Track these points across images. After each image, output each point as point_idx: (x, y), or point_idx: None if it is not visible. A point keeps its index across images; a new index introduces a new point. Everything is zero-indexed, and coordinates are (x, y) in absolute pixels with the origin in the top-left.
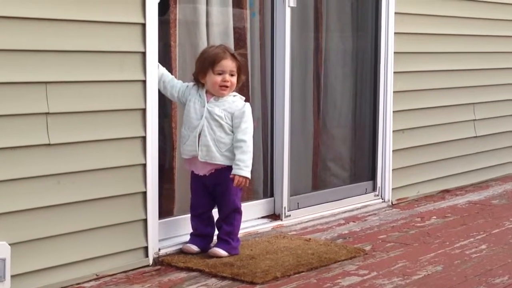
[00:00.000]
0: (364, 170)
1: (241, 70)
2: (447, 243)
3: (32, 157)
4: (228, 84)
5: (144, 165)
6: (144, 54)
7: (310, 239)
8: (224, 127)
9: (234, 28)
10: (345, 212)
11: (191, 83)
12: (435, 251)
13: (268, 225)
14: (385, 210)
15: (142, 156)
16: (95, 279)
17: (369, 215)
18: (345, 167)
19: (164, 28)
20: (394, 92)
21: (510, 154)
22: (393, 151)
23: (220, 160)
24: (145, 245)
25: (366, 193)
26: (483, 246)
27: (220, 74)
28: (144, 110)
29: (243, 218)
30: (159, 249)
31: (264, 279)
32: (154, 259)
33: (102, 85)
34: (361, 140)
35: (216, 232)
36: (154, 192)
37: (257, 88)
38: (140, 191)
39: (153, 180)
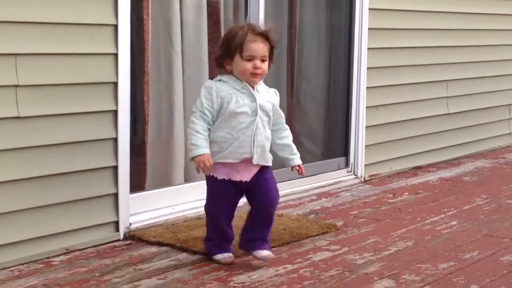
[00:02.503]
0: (337, 146)
1: (273, 52)
2: (418, 219)
3: (1, 130)
4: (260, 71)
5: (116, 139)
6: (116, 27)
7: (282, 214)
8: (270, 122)
9: (208, 2)
10: (317, 188)
11: (211, 85)
12: (406, 227)
13: (241, 200)
14: (358, 186)
15: (113, 130)
16: (65, 254)
17: (342, 191)
18: (318, 143)
19: (137, 1)
20: (367, 68)
21: (482, 131)
22: (366, 127)
23: (270, 161)
24: (116, 219)
25: (339, 169)
26: (454, 222)
27: (249, 60)
28: (115, 84)
29: None
30: (130, 224)
31: (235, 254)
32: (125, 234)
33: (73, 58)
34: (334, 116)
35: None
36: (126, 166)
37: None
38: (111, 165)
39: (125, 154)
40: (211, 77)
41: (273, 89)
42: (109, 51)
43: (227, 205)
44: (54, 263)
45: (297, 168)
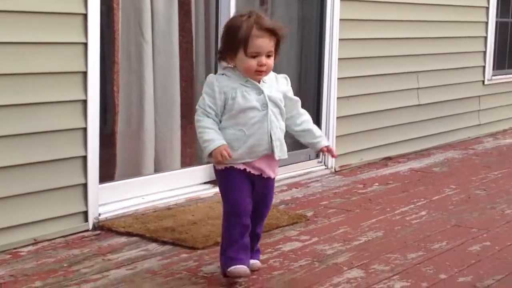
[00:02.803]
0: None
1: (279, 45)
2: (388, 209)
3: None
4: (265, 68)
5: (85, 129)
6: (85, 16)
7: None
8: (282, 113)
9: None
10: (288, 178)
11: (213, 80)
12: (376, 217)
13: (210, 191)
14: (328, 176)
15: (82, 119)
16: (33, 244)
17: (312, 182)
18: (289, 133)
19: None
20: (339, 59)
21: (452, 123)
22: (337, 118)
23: (286, 153)
24: (85, 209)
25: (309, 160)
26: (423, 213)
27: (254, 57)
28: (85, 73)
29: (186, 184)
30: (99, 214)
31: (205, 244)
32: (94, 224)
33: (41, 47)
34: (305, 107)
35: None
36: (95, 156)
37: (201, 53)
38: (80, 155)
39: (94, 144)
40: (182, 68)
41: (282, 75)
42: (78, 40)
43: (247, 192)
44: (22, 253)
45: (325, 149)
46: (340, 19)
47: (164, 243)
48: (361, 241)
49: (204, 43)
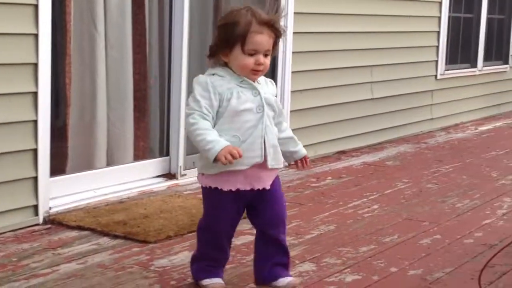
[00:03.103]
0: None
1: (277, 43)
2: (341, 203)
3: None
4: (262, 68)
5: (35, 122)
6: (36, 6)
7: None
8: (275, 117)
9: None
10: None
11: (206, 80)
12: (328, 210)
13: (163, 184)
14: (281, 170)
15: (33, 112)
16: None
17: None
18: None
19: None
20: (293, 52)
21: (405, 117)
22: (290, 111)
23: (282, 162)
24: (35, 203)
25: None
26: (376, 206)
27: (251, 54)
28: (35, 65)
29: (138, 177)
30: (50, 208)
31: (157, 238)
32: (44, 218)
33: None
34: None
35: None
36: (46, 149)
37: (154, 47)
38: (30, 148)
39: (45, 137)
40: (135, 61)
41: (270, 80)
42: (29, 31)
43: (232, 220)
44: None
45: (302, 160)
46: (294, 13)
47: (115, 237)
48: (314, 235)
49: (158, 36)
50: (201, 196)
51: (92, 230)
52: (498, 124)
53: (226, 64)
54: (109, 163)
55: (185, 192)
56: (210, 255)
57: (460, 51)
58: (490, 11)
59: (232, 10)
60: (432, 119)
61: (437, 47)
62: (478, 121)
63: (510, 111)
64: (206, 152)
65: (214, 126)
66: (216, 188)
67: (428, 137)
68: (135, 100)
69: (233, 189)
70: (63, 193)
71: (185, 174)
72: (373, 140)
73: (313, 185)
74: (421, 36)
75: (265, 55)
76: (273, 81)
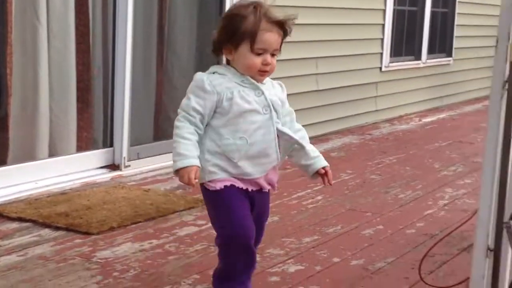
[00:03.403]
0: None
1: (282, 42)
2: (285, 194)
3: None
4: (269, 68)
5: None
6: None
7: (149, 189)
8: (278, 118)
9: None
10: None
11: (203, 78)
12: (272, 202)
13: (107, 175)
14: None
15: None
16: None
17: None
18: None
19: None
20: None
21: (350, 108)
22: None
23: None
24: None
25: None
26: (319, 197)
27: (259, 54)
28: None
29: (81, 168)
30: None
31: (100, 229)
32: None
33: None
34: None
35: None
36: None
37: (98, 36)
38: None
39: None
40: (78, 51)
41: (277, 82)
42: None
43: (248, 215)
44: None
45: (322, 172)
46: None
47: (57, 228)
48: None
49: (101, 26)
50: (145, 187)
51: (34, 221)
52: (441, 116)
53: (227, 62)
54: (51, 154)
55: (129, 183)
56: (239, 266)
57: (405, 43)
58: (434, 4)
59: (240, 4)
60: (376, 110)
61: (382, 39)
62: (422, 112)
63: (453, 103)
64: (173, 162)
65: (214, 128)
66: (232, 186)
67: (372, 128)
68: (78, 91)
69: (244, 188)
70: (3, 185)
71: (129, 165)
72: (318, 132)
73: None
74: (366, 29)
75: (272, 55)
76: (282, 84)
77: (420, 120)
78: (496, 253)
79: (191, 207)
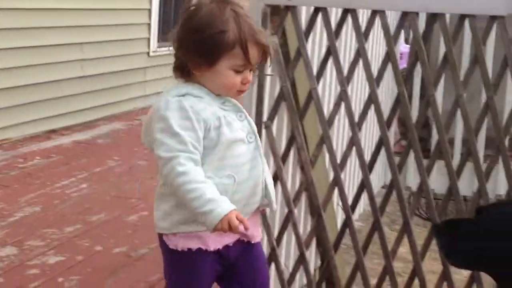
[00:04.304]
0: None
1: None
2: (49, 183)
3: None
4: (247, 87)
5: None
6: None
7: None
8: None
9: None
10: None
11: (183, 104)
12: (35, 191)
13: None
14: None
15: None
16: None
17: None
18: None
19: None
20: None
21: (118, 94)
22: None
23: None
24: None
25: None
26: (84, 185)
27: (239, 72)
28: None
29: None
30: None
31: None
32: None
33: None
34: None
35: None
36: None
37: None
38: None
39: None
40: None
41: None
42: None
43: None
44: None
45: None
46: None
47: None
48: (17, 217)
49: None
50: None
51: None
52: None
53: (197, 81)
54: None
55: None
56: None
57: (172, 28)
58: None
59: (212, 10)
60: (145, 95)
61: (149, 24)
62: None
63: None
64: (202, 216)
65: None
66: (198, 250)
67: (142, 113)
68: None
69: (221, 247)
70: None
71: None
72: (86, 118)
73: (20, 165)
74: (132, 14)
75: (250, 70)
76: None
77: None
78: None
79: None
